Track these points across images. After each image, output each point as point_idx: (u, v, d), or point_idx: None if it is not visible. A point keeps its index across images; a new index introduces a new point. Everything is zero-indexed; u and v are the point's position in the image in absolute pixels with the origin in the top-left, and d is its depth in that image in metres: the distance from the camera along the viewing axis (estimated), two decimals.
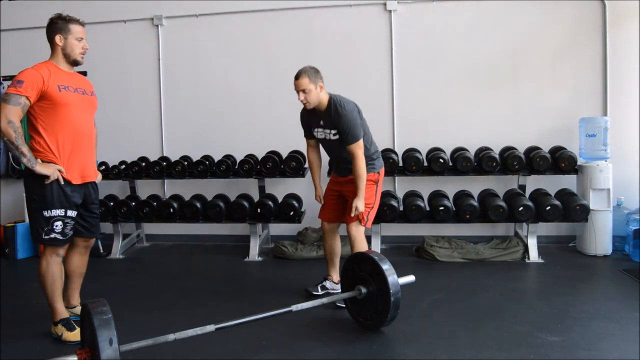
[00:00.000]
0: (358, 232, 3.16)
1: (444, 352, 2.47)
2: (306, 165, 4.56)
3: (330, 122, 3.08)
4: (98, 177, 2.91)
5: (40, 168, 2.52)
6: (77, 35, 2.67)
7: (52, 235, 2.59)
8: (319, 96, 3.05)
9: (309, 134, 3.30)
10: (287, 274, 3.93)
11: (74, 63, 2.71)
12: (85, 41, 2.72)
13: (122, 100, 5.15)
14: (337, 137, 3.09)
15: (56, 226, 2.59)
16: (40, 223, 2.59)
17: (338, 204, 3.28)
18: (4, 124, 2.44)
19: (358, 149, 3.03)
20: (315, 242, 4.53)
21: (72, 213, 2.65)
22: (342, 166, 3.22)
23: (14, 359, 2.54)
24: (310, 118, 3.21)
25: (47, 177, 2.54)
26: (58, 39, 2.65)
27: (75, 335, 2.66)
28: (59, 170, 2.58)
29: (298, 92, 3.02)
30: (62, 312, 2.75)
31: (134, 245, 5.00)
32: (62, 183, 2.59)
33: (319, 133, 3.18)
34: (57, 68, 2.65)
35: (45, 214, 2.57)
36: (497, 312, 2.98)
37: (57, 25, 2.66)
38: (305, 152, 4.55)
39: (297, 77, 3.01)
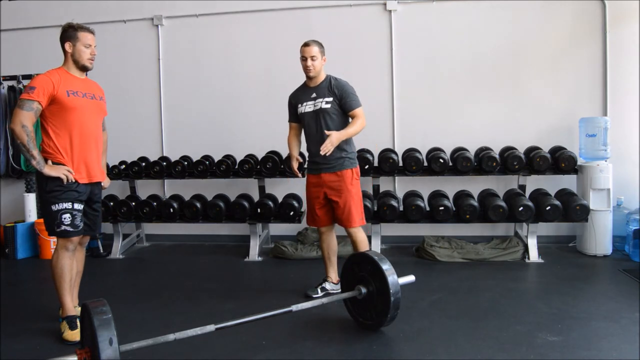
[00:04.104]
0: (359, 232, 3.23)
1: (444, 352, 2.47)
2: (306, 165, 4.56)
3: (325, 92, 3.18)
4: (106, 182, 3.07)
5: (48, 170, 2.67)
6: (85, 42, 2.80)
7: (63, 228, 2.71)
8: (322, 67, 3.20)
9: (294, 117, 3.34)
10: (287, 274, 3.93)
11: (83, 69, 2.85)
12: (94, 48, 2.84)
13: (122, 100, 5.15)
14: (328, 105, 3.14)
15: (65, 219, 2.70)
16: (51, 217, 2.72)
17: (327, 208, 3.27)
18: (18, 128, 2.61)
19: (362, 113, 3.17)
20: (315, 242, 4.53)
21: (79, 206, 2.76)
22: (317, 154, 3.14)
23: (14, 359, 2.54)
24: (301, 94, 3.28)
25: (57, 177, 2.68)
26: (67, 46, 2.79)
27: (73, 335, 2.68)
28: (68, 171, 2.71)
29: (306, 58, 3.14)
30: (70, 308, 2.79)
31: (134, 245, 4.99)
32: (72, 181, 2.72)
33: (307, 107, 3.21)
34: (67, 74, 2.79)
35: (54, 207, 2.69)
36: (497, 312, 2.98)
37: (67, 33, 2.80)
38: (304, 152, 4.59)
39: (307, 44, 3.16)
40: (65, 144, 2.73)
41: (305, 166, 3.41)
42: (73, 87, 2.75)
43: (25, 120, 2.60)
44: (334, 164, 3.18)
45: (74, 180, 2.72)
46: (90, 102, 2.83)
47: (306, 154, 4.52)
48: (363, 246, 3.23)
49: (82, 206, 2.79)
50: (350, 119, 3.22)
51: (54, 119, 2.71)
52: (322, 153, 3.03)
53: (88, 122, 2.81)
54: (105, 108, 3.00)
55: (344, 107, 3.17)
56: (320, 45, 3.19)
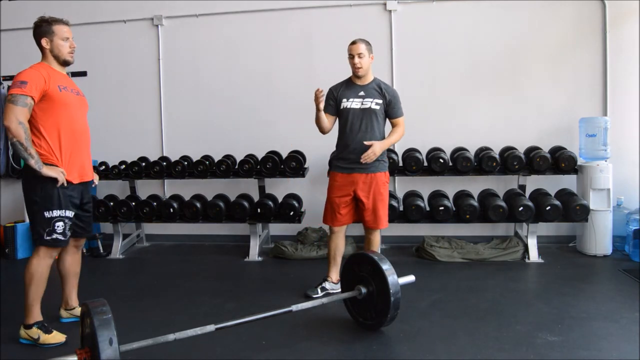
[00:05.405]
0: (378, 235, 3.35)
1: (444, 352, 2.47)
2: (306, 165, 4.57)
3: (375, 94, 3.23)
4: (95, 179, 2.93)
5: (47, 171, 2.52)
6: (62, 35, 2.65)
7: (54, 236, 2.58)
8: (370, 65, 3.22)
9: (332, 109, 3.29)
10: (287, 274, 3.93)
11: (65, 63, 2.71)
12: (72, 40, 2.70)
13: (122, 100, 5.15)
14: (378, 107, 3.21)
15: (58, 227, 2.58)
16: (41, 224, 2.57)
17: (351, 207, 3.30)
18: (14, 125, 2.43)
19: (404, 122, 3.31)
20: (315, 242, 4.53)
21: (70, 213, 2.65)
22: (356, 152, 3.17)
23: (14, 359, 2.54)
24: (346, 89, 3.28)
25: (53, 179, 2.54)
26: (44, 42, 2.64)
27: (54, 337, 2.63)
28: (62, 172, 2.58)
29: (353, 56, 3.16)
30: (39, 314, 2.71)
31: (134, 245, 4.99)
32: (65, 185, 2.60)
33: (354, 103, 3.22)
34: (52, 69, 2.65)
35: (47, 214, 2.56)
36: (497, 312, 2.98)
37: (41, 29, 2.64)
38: (304, 152, 4.60)
39: (354, 42, 3.19)
40: (58, 143, 2.58)
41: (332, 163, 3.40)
42: (61, 82, 2.62)
43: (21, 116, 2.42)
44: (368, 166, 3.20)
45: (66, 183, 2.59)
46: (76, 97, 2.71)
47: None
48: (377, 247, 3.34)
49: (73, 213, 2.67)
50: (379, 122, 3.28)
51: (44, 117, 2.54)
52: (362, 161, 3.12)
53: (78, 119, 2.69)
54: (87, 103, 2.85)
55: (390, 112, 3.26)
56: (367, 43, 3.21)
